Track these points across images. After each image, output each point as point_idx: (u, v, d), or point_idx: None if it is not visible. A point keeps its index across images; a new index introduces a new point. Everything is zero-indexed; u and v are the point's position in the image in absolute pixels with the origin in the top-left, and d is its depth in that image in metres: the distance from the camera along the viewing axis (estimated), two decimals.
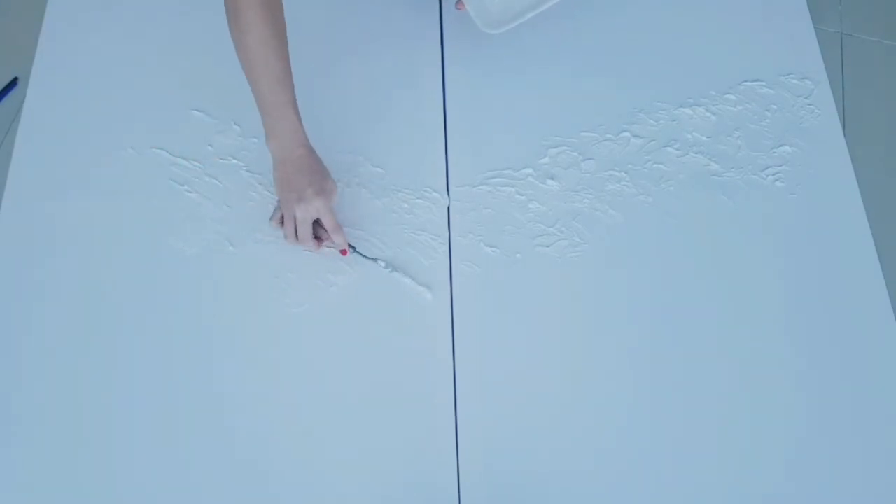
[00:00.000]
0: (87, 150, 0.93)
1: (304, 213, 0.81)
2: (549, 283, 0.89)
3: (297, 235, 0.84)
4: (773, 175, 0.97)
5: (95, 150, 0.93)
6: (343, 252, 0.86)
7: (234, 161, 0.94)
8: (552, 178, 0.95)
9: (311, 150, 0.83)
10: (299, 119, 0.81)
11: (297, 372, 0.83)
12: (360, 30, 1.04)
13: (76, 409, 0.80)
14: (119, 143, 0.94)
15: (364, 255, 0.87)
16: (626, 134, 0.99)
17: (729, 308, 0.89)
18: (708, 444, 0.83)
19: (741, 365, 0.86)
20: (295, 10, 1.01)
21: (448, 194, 0.94)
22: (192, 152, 0.94)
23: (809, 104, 1.02)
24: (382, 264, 0.87)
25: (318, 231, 0.85)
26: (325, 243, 0.86)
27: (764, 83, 1.03)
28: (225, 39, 1.01)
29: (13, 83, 1.72)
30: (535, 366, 0.85)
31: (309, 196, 0.80)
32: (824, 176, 0.98)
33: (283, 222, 0.85)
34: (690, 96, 1.02)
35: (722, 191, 0.96)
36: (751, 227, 0.94)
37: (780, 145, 0.99)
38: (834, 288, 0.91)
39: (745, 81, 1.03)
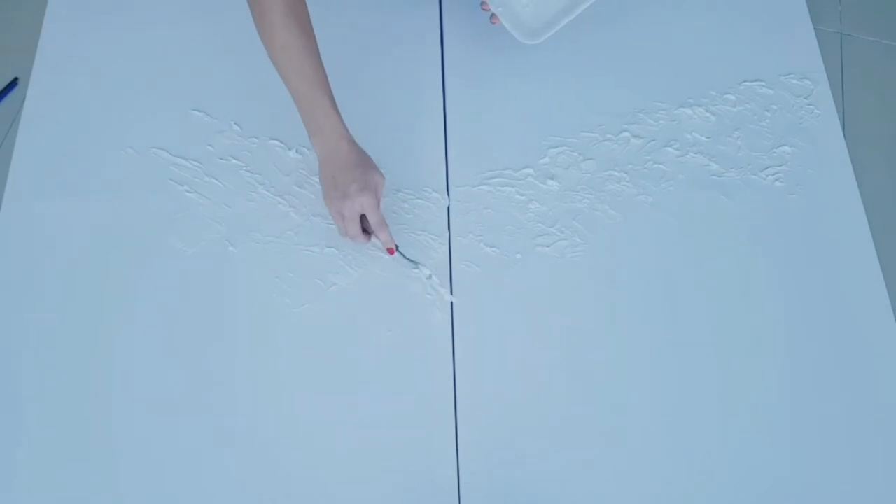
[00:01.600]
0: (87, 150, 0.93)
1: (350, 211, 0.81)
2: (549, 283, 0.89)
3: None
4: (773, 175, 0.97)
5: (95, 150, 0.93)
6: (390, 251, 0.86)
7: (234, 161, 0.94)
8: (552, 178, 0.95)
9: (354, 144, 0.83)
10: (338, 114, 0.82)
11: (297, 372, 0.83)
12: (359, 30, 1.04)
13: (75, 408, 0.80)
14: (119, 143, 0.94)
15: (407, 258, 0.87)
16: (626, 134, 0.99)
17: (728, 308, 0.89)
18: (708, 443, 0.83)
19: (741, 364, 0.86)
20: None
21: (448, 194, 0.94)
22: (192, 152, 0.94)
23: (809, 104, 1.02)
24: (426, 272, 0.87)
25: (367, 226, 0.85)
26: (373, 237, 0.86)
27: (764, 83, 1.03)
28: (225, 39, 1.01)
29: (13, 83, 1.72)
30: (535, 365, 0.85)
31: (353, 193, 0.80)
32: (824, 176, 0.98)
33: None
34: (690, 96, 1.02)
35: (722, 191, 0.96)
36: (750, 227, 0.94)
37: (780, 145, 0.99)
38: (834, 288, 0.91)
39: (745, 81, 1.03)
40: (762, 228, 0.94)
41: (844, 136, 1.01)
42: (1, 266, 0.86)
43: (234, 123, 0.96)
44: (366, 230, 0.85)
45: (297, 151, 0.94)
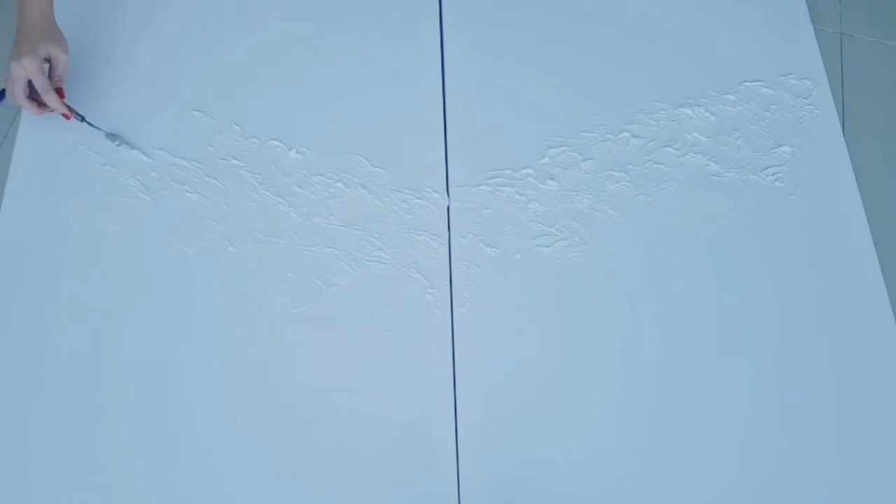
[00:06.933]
0: (87, 151, 0.93)
1: (14, 73, 0.84)
2: (549, 283, 0.89)
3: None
4: (773, 175, 0.97)
5: (95, 150, 0.93)
6: (66, 116, 0.88)
7: (234, 161, 0.94)
8: (552, 178, 0.95)
9: (47, 17, 0.87)
10: None
11: (297, 372, 0.83)
12: (359, 29, 1.04)
13: (72, 407, 0.80)
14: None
15: (92, 125, 0.89)
16: (626, 134, 0.99)
17: (728, 308, 0.89)
18: (709, 443, 0.83)
19: (740, 364, 0.86)
20: (296, 10, 1.02)
21: (448, 194, 0.94)
22: (192, 152, 0.94)
23: (809, 104, 1.02)
24: (110, 135, 0.90)
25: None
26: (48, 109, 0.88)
27: (763, 83, 1.03)
28: (225, 39, 1.01)
29: None
30: (535, 366, 0.85)
31: (19, 54, 0.83)
32: (824, 176, 0.98)
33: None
34: (690, 96, 1.02)
35: (722, 191, 0.96)
36: (750, 227, 0.94)
37: (780, 145, 0.99)
38: (833, 288, 0.91)
39: (745, 81, 1.03)
40: (762, 228, 0.94)
41: (844, 136, 1.01)
42: (1, 266, 0.86)
43: (234, 123, 0.96)
44: (41, 103, 0.87)
45: (297, 151, 0.94)
